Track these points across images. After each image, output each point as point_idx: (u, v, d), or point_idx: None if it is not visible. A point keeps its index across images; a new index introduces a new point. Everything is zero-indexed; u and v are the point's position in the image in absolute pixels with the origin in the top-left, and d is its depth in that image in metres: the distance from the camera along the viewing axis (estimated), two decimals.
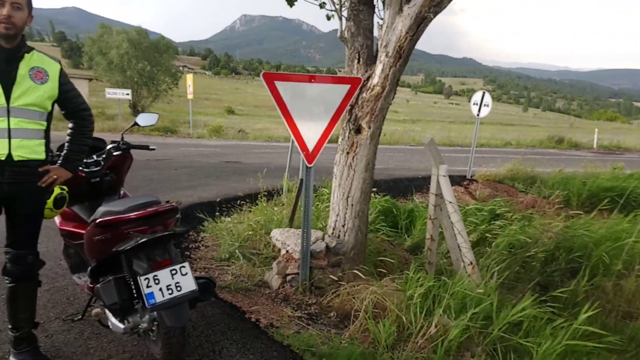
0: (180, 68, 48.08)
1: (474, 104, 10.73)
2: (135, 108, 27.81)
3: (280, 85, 3.70)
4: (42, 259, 2.59)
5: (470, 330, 3.23)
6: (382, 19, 3.92)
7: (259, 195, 5.82)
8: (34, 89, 2.30)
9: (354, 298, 3.71)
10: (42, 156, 2.40)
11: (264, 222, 5.18)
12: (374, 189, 6.54)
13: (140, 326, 2.48)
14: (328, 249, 4.10)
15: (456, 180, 9.89)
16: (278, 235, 4.39)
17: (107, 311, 2.59)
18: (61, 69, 2.46)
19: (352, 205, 4.20)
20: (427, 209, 4.85)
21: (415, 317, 3.29)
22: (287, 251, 4.24)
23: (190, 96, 19.71)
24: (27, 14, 2.28)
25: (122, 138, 3.31)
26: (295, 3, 4.44)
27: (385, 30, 3.82)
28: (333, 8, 4.27)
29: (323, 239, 4.17)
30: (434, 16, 3.69)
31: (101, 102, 30.08)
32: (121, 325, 2.50)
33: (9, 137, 2.23)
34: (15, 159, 2.26)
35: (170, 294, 2.36)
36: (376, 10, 4.13)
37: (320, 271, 4.06)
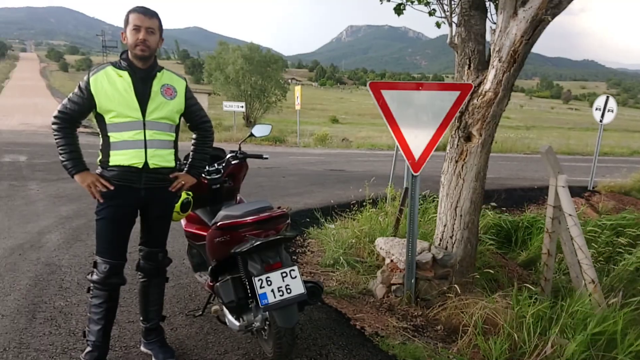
0: (289, 80, 50.11)
1: (596, 109, 9.82)
2: (248, 119, 29.56)
3: (386, 94, 3.70)
4: (170, 257, 2.85)
5: (590, 350, 2.93)
6: (494, 23, 3.76)
7: (364, 203, 5.85)
8: (165, 104, 2.55)
9: (462, 312, 3.57)
10: (172, 164, 2.65)
11: (368, 229, 5.19)
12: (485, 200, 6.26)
13: (253, 325, 2.63)
14: (435, 260, 3.99)
15: (576, 191, 9.09)
16: (382, 244, 4.37)
17: (224, 308, 2.78)
18: (187, 86, 2.70)
19: (460, 215, 4.06)
20: (544, 222, 4.52)
21: (528, 336, 3.08)
22: (392, 260, 4.20)
23: (298, 107, 20.49)
24: (159, 37, 2.55)
25: (240, 148, 3.55)
26: (404, 12, 4.41)
27: (499, 34, 3.66)
28: (443, 15, 4.19)
29: (429, 250, 4.07)
30: (552, 18, 3.46)
31: (218, 114, 32.39)
32: (237, 323, 2.67)
33: (145, 148, 2.49)
34: (151, 166, 2.52)
35: (281, 295, 2.47)
36: (488, 14, 3.97)
37: (426, 283, 3.97)
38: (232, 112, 24.46)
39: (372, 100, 3.67)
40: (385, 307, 3.88)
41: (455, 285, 3.83)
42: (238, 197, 3.62)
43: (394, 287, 4.04)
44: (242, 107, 24.41)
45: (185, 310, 3.39)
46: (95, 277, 2.52)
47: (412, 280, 3.87)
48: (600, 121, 9.81)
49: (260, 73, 30.49)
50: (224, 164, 3.46)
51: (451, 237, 4.13)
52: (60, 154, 2.49)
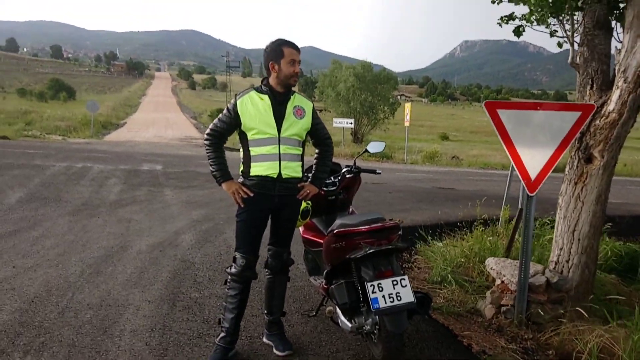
0: (398, 97, 50.08)
1: None
2: (356, 135, 30.12)
3: (502, 113, 3.74)
4: (292, 258, 3.19)
5: None
6: (620, 42, 3.63)
7: (475, 223, 5.80)
8: (296, 123, 2.91)
9: (576, 339, 3.44)
10: (300, 175, 3.01)
11: (477, 249, 5.15)
12: (608, 225, 5.84)
13: (364, 327, 2.84)
14: (549, 284, 3.89)
15: None
16: (493, 265, 4.34)
17: (338, 310, 3.03)
18: (313, 107, 3.04)
19: (578, 239, 3.92)
20: None
21: None
22: (503, 281, 4.16)
23: (407, 123, 20.52)
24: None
25: (355, 163, 3.82)
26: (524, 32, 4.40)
27: (624, 54, 3.53)
28: (564, 35, 4.12)
29: (543, 273, 3.97)
30: None
31: (328, 130, 33.36)
32: (349, 324, 2.90)
33: (279, 160, 2.87)
34: (283, 177, 2.89)
35: (391, 301, 2.65)
36: (614, 33, 3.83)
37: (538, 306, 3.87)
38: (342, 128, 25.14)
39: (487, 117, 3.73)
40: (494, 327, 3.85)
41: (570, 310, 3.69)
42: (350, 209, 3.88)
43: (503, 309, 3.99)
44: (352, 123, 24.99)
45: (301, 310, 3.71)
46: (233, 270, 2.92)
47: (524, 303, 3.81)
48: None
49: (371, 90, 30.97)
50: (339, 177, 3.75)
51: (567, 262, 3.99)
52: (211, 165, 2.95)
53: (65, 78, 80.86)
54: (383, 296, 2.66)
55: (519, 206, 5.27)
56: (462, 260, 5.04)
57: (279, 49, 2.84)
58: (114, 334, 3.15)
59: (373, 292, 2.67)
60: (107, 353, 2.90)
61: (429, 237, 6.00)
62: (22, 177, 9.21)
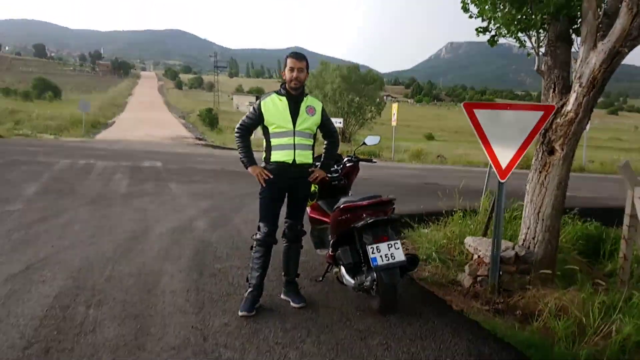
0: (384, 97, 50.92)
1: None
2: (344, 135, 30.85)
3: (478, 113, 4.44)
4: (304, 230, 3.86)
5: None
6: (577, 51, 4.35)
7: (455, 211, 6.49)
8: (308, 119, 3.60)
9: (538, 301, 4.15)
10: (311, 161, 3.70)
11: (458, 232, 5.86)
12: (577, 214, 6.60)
13: (364, 284, 3.52)
14: (517, 257, 4.58)
15: None
16: (471, 242, 5.04)
17: (343, 270, 3.70)
18: (323, 107, 3.74)
19: (542, 220, 4.62)
20: None
21: (594, 320, 3.61)
22: (479, 256, 4.85)
23: (394, 123, 21.30)
24: (306, 73, 3.60)
25: (354, 153, 4.51)
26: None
27: (580, 63, 4.24)
28: (532, 46, 4.84)
29: (513, 248, 4.68)
30: (630, 50, 3.99)
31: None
32: (352, 281, 3.59)
33: (294, 149, 3.55)
34: (297, 162, 3.58)
35: (387, 260, 3.34)
36: (574, 44, 4.55)
37: (508, 276, 4.57)
38: None
39: (467, 118, 4.42)
40: (471, 294, 4.53)
41: (535, 278, 4.41)
42: (350, 193, 4.56)
43: (479, 279, 4.68)
44: (341, 122, 25.73)
45: (310, 276, 4.38)
46: (258, 236, 3.60)
47: (496, 273, 4.51)
48: None
49: (357, 91, 31.74)
50: (341, 166, 4.43)
51: (533, 239, 4.70)
52: (240, 152, 3.62)
53: (50, 77, 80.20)
54: (380, 256, 3.35)
55: (495, 196, 5.99)
56: (445, 241, 5.75)
57: (285, 59, 3.58)
58: (157, 294, 3.80)
59: (372, 253, 3.35)
60: (155, 306, 3.55)
61: (416, 225, 6.68)
62: (31, 173, 9.72)
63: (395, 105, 22.08)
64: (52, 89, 64.22)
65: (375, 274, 3.42)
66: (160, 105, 71.71)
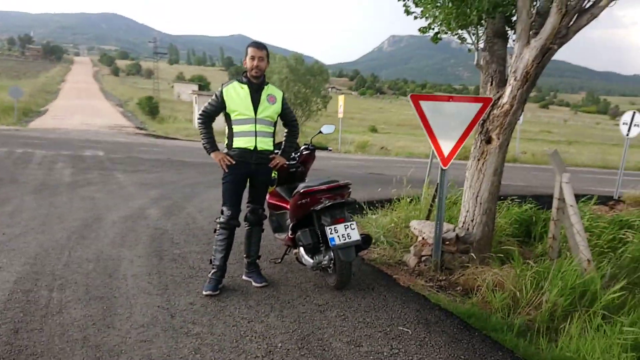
0: (329, 89, 51.42)
1: (623, 123, 10.53)
2: None
3: (424, 104, 4.77)
4: (265, 214, 4.03)
5: (576, 305, 3.89)
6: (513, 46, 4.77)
7: (400, 198, 6.89)
8: (269, 107, 3.75)
9: (477, 277, 4.57)
10: (271, 148, 3.85)
11: (404, 217, 6.24)
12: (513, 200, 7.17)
13: (322, 262, 3.76)
14: (458, 238, 4.99)
15: (602, 200, 9.80)
16: (416, 225, 5.41)
17: (302, 251, 3.92)
18: (283, 96, 3.89)
19: (480, 203, 5.06)
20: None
21: (526, 292, 4.06)
22: (423, 238, 5.23)
23: (340, 115, 21.68)
24: (267, 62, 3.75)
25: (311, 142, 4.72)
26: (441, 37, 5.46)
27: (515, 59, 4.66)
28: (471, 42, 5.24)
29: (454, 230, 5.08)
30: (559, 47, 4.45)
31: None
32: (311, 261, 3.82)
33: (255, 136, 3.70)
34: (259, 149, 3.72)
35: (344, 239, 3.60)
36: (510, 41, 4.97)
37: (450, 255, 4.97)
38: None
39: (412, 110, 4.75)
40: (416, 272, 4.89)
41: (474, 256, 4.84)
42: (307, 180, 4.78)
43: (423, 258, 5.05)
44: None
45: (269, 259, 4.56)
46: (222, 219, 3.73)
47: (439, 253, 4.89)
48: (627, 135, 10.50)
49: (304, 82, 31.84)
50: (298, 154, 4.63)
51: (472, 221, 5.13)
52: (202, 139, 3.73)
53: None
54: (338, 236, 3.60)
55: (437, 182, 6.42)
56: (392, 225, 6.10)
57: (246, 48, 3.71)
58: (119, 277, 3.85)
59: (331, 234, 3.59)
60: (118, 289, 3.61)
61: (365, 212, 7.01)
62: None
63: (342, 97, 22.45)
64: None
65: (332, 253, 3.67)
66: (96, 92, 68.40)
